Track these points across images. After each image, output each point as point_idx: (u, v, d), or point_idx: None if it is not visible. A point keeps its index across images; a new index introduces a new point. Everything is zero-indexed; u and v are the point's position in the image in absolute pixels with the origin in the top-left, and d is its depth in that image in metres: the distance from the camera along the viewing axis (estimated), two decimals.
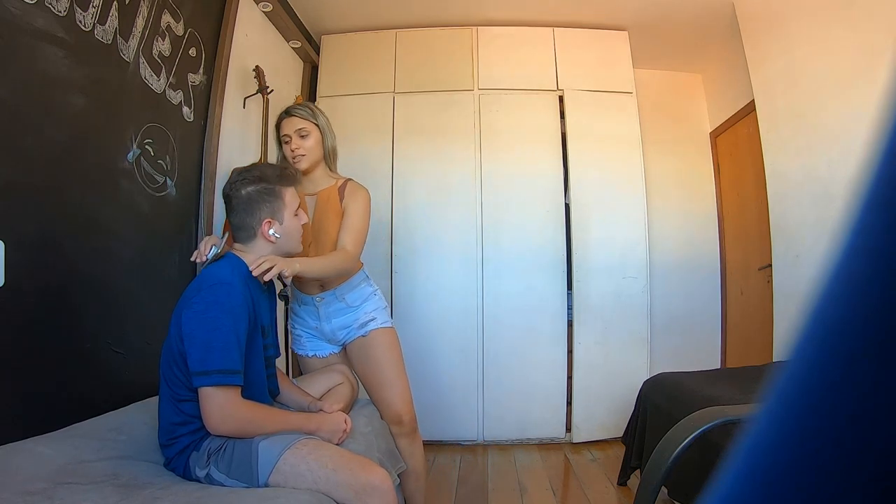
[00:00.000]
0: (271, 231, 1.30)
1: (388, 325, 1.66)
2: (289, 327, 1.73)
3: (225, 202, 1.34)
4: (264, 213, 1.30)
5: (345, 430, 1.33)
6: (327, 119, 1.70)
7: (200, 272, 1.28)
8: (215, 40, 2.16)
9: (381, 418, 1.63)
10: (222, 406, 1.13)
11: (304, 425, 1.26)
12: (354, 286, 1.63)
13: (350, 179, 1.70)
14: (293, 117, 1.63)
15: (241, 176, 1.32)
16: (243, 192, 1.29)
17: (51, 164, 1.34)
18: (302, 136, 1.62)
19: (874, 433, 0.14)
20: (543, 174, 2.93)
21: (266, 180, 1.31)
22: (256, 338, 1.26)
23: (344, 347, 1.68)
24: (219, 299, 1.15)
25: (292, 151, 1.62)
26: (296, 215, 1.36)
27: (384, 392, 1.62)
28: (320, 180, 1.69)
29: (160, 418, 1.24)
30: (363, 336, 1.61)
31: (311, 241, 1.63)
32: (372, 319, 1.62)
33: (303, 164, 1.62)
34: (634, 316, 2.88)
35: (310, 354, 1.67)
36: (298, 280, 1.60)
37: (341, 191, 1.66)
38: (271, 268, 1.27)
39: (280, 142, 1.67)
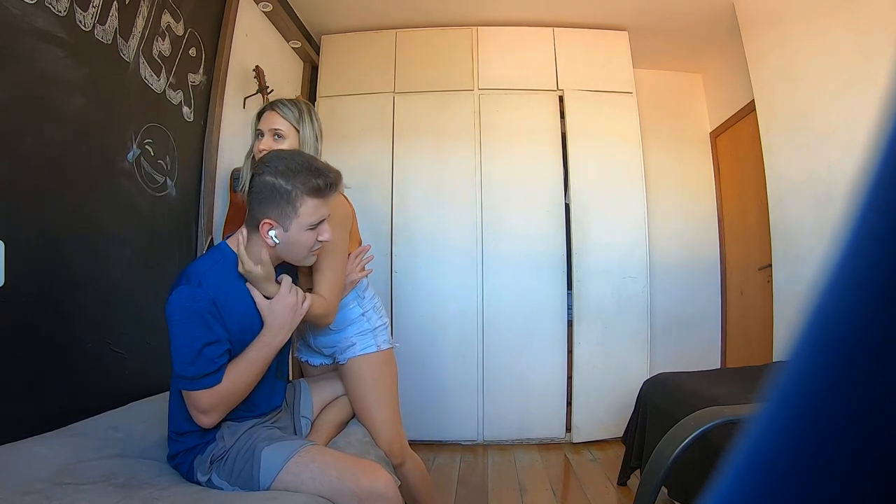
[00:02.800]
0: (270, 233, 1.16)
1: (371, 350, 1.48)
2: None
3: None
4: (270, 212, 1.15)
5: (299, 303, 1.20)
6: (318, 131, 1.47)
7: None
8: (215, 40, 2.16)
9: None
10: (197, 406, 1.11)
11: (271, 343, 1.17)
12: (340, 307, 1.47)
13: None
14: (275, 113, 1.41)
15: (274, 160, 1.17)
16: (264, 178, 1.15)
17: (51, 164, 1.34)
18: (276, 138, 1.41)
19: (874, 433, 0.14)
20: (543, 174, 2.93)
21: (289, 178, 1.14)
22: (254, 327, 1.20)
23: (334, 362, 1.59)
24: (182, 303, 1.09)
25: (259, 152, 1.40)
26: (312, 229, 1.18)
27: (365, 423, 1.51)
28: None
29: (170, 411, 1.21)
30: (342, 364, 1.50)
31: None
32: (351, 346, 1.48)
33: None
34: (634, 316, 2.88)
35: (303, 359, 1.64)
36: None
37: None
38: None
39: (254, 133, 1.46)
